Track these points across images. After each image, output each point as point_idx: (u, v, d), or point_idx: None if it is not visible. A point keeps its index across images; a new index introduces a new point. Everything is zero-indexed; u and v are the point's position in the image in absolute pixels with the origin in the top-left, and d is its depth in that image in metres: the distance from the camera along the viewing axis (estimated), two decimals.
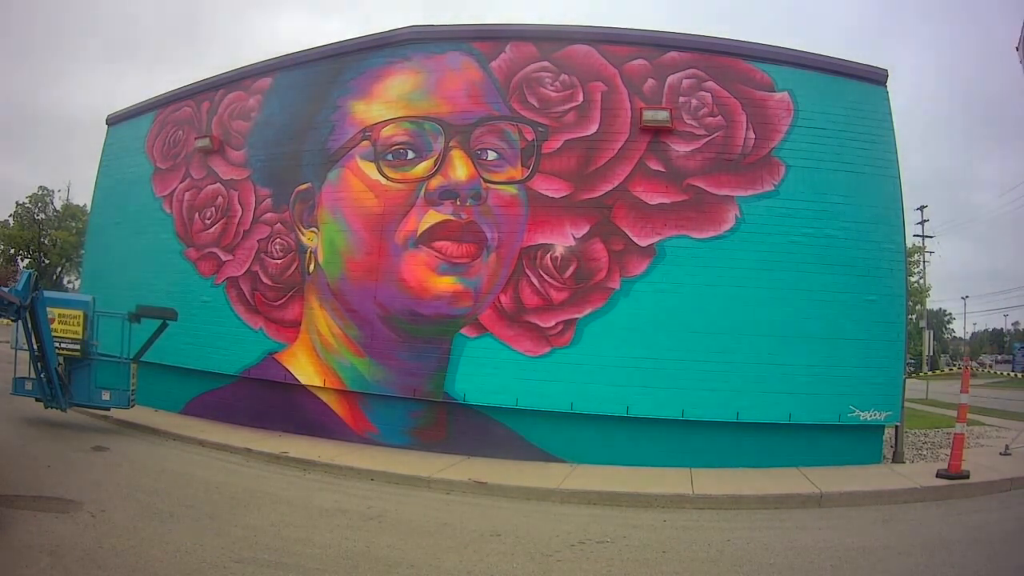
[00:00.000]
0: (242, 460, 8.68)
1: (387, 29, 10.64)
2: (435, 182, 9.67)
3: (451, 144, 9.71)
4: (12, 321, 8.68)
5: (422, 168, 9.81)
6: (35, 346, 8.83)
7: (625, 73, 9.46)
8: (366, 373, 9.84)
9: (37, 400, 9.60)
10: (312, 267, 10.45)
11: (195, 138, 12.06)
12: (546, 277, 9.22)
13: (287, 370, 10.40)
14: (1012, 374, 26.88)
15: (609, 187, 9.20)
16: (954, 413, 9.68)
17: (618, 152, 9.26)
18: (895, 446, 9.18)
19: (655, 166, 9.19)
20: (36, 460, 7.52)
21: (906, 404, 9.53)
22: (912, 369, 22.65)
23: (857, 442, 8.92)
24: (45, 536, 4.97)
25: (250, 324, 10.87)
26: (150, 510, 5.94)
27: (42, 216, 48.23)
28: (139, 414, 10.41)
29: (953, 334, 65.96)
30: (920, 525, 6.40)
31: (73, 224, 46.12)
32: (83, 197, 45.03)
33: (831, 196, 9.03)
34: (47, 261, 47.54)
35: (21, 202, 47.57)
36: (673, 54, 9.46)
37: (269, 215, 10.97)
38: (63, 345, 9.46)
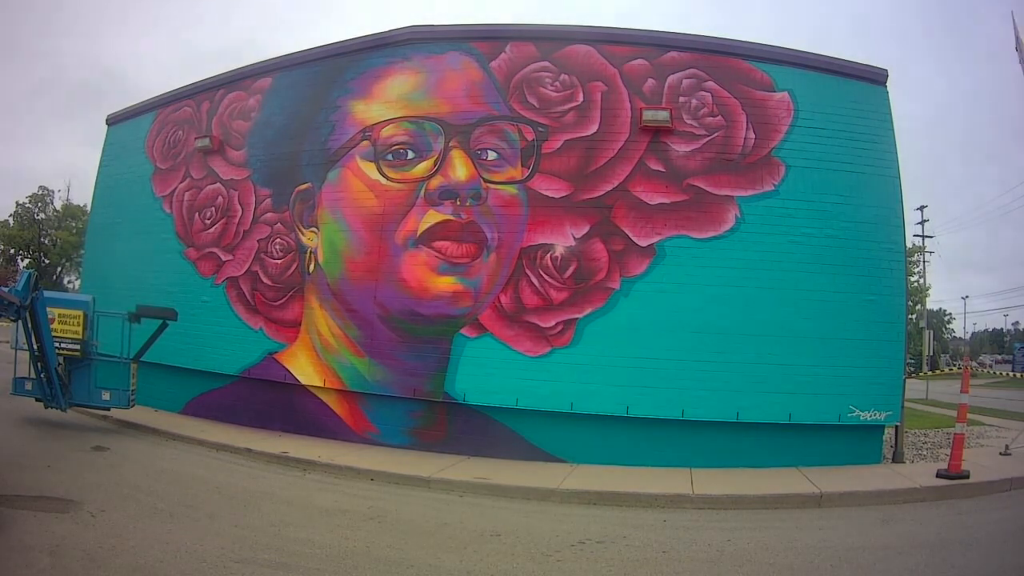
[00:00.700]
0: (242, 460, 8.68)
1: (387, 29, 10.65)
2: (435, 182, 9.67)
3: (451, 144, 9.71)
4: (12, 321, 8.68)
5: (422, 168, 9.81)
6: (35, 346, 8.84)
7: (625, 73, 9.46)
8: (366, 373, 9.84)
9: (37, 400, 9.61)
10: (312, 267, 10.45)
11: (195, 138, 12.07)
12: (546, 277, 9.22)
13: (287, 370, 10.40)
14: (1012, 374, 26.88)
15: (609, 187, 9.20)
16: (954, 413, 9.68)
17: (618, 152, 9.26)
18: (895, 446, 9.18)
19: (655, 166, 9.19)
20: (36, 460, 7.52)
21: (906, 404, 9.53)
22: (912, 369, 22.62)
23: (857, 442, 8.92)
24: (45, 536, 4.97)
25: (250, 324, 10.87)
26: (150, 510, 5.94)
27: (42, 216, 48.24)
28: (139, 414, 10.42)
29: (953, 334, 65.95)
30: (920, 525, 6.40)
31: (73, 224, 46.12)
32: (83, 197, 45.12)
33: (831, 196, 9.03)
34: (47, 261, 47.55)
35: (21, 202, 47.64)
36: (673, 54, 9.46)
37: (269, 215, 10.97)
38: (63, 345, 9.47)
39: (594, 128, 9.38)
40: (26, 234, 46.72)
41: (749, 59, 9.37)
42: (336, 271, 10.25)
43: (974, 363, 47.45)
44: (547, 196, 9.34)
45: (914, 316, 35.29)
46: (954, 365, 43.26)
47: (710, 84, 9.30)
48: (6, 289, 8.05)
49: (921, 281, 37.18)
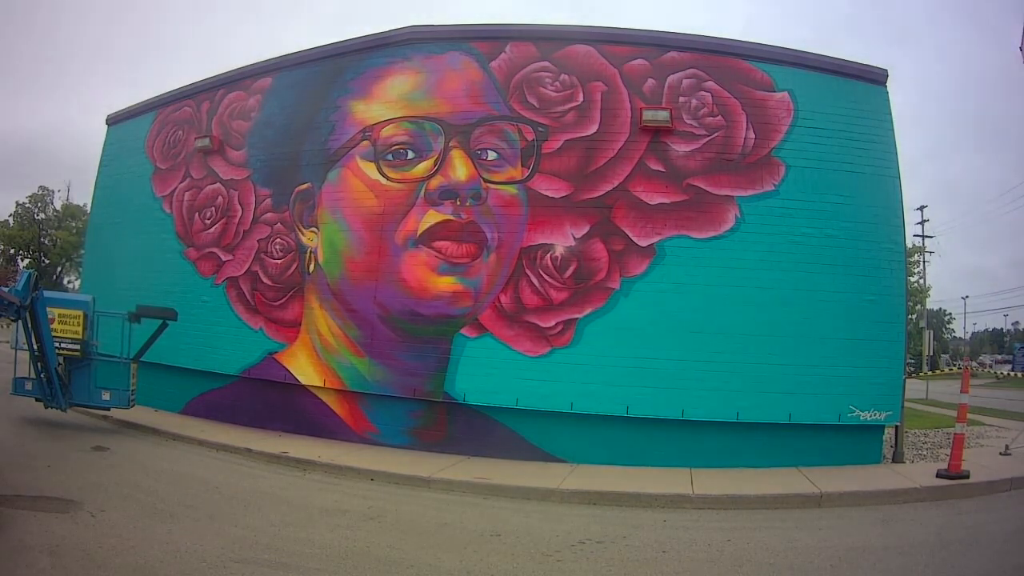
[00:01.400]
0: (242, 460, 8.68)
1: (387, 29, 10.65)
2: (435, 182, 9.67)
3: (451, 144, 9.71)
4: (12, 321, 8.69)
5: (422, 168, 9.81)
6: (35, 346, 8.84)
7: (625, 73, 9.46)
8: (366, 373, 9.84)
9: (37, 400, 9.61)
10: (312, 267, 10.45)
11: (195, 138, 12.07)
12: (546, 277, 9.22)
13: (287, 370, 10.40)
14: (1012, 374, 26.84)
15: (609, 187, 9.20)
16: (954, 413, 9.67)
17: (618, 152, 9.26)
18: (895, 446, 9.18)
19: (655, 166, 9.19)
20: (36, 460, 7.52)
21: (906, 404, 9.53)
22: (912, 369, 22.61)
23: (857, 442, 8.92)
24: (45, 536, 4.97)
25: (250, 324, 10.87)
26: (150, 510, 5.94)
27: (42, 216, 48.25)
28: (139, 414, 10.41)
29: (953, 334, 65.95)
30: (920, 525, 6.39)
31: (73, 224, 46.13)
32: (83, 197, 45.09)
33: (831, 196, 9.03)
34: (47, 261, 47.56)
35: (21, 202, 47.66)
36: (673, 54, 9.46)
37: (269, 215, 10.97)
38: (63, 345, 9.47)
39: (594, 128, 9.38)
40: (26, 234, 46.73)
41: (749, 59, 9.36)
42: (336, 271, 10.25)
43: (974, 363, 47.41)
44: (547, 196, 9.34)
45: (914, 316, 35.30)
46: (954, 365, 43.21)
47: (710, 84, 9.30)
48: (6, 289, 8.05)
49: (921, 281, 37.19)
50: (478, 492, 7.55)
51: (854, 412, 8.76)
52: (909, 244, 26.59)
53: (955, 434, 8.15)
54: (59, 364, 9.41)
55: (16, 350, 9.75)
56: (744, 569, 5.12)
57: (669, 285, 8.94)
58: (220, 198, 11.59)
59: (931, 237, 36.89)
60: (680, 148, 9.20)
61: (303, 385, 10.31)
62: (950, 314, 65.48)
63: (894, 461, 9.01)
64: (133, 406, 10.12)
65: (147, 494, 6.49)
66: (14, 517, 5.33)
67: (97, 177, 14.23)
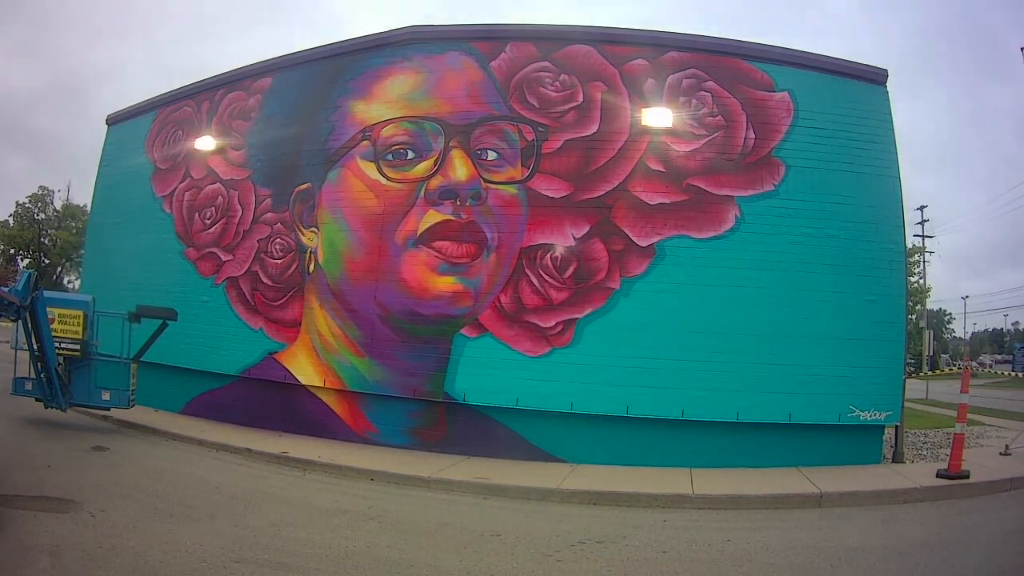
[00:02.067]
0: (242, 460, 8.68)
1: (387, 29, 10.65)
2: (435, 182, 9.67)
3: (451, 144, 9.71)
4: (12, 321, 8.68)
5: (422, 168, 9.81)
6: (35, 346, 8.83)
7: (625, 73, 9.46)
8: (366, 373, 9.84)
9: (37, 400, 9.61)
10: (312, 267, 10.45)
11: (195, 138, 12.06)
12: (546, 277, 9.22)
13: (287, 370, 10.40)
14: (1012, 374, 26.88)
15: (609, 187, 9.20)
16: (954, 413, 9.68)
17: (618, 152, 9.26)
18: (895, 446, 9.18)
19: (655, 166, 9.19)
20: (36, 460, 7.51)
21: (906, 404, 9.53)
22: (912, 369, 22.62)
23: (857, 442, 8.92)
24: (45, 536, 4.97)
25: (250, 324, 10.87)
26: (150, 510, 5.94)
27: (42, 216, 48.24)
28: (139, 414, 10.41)
29: (953, 334, 65.94)
30: (920, 525, 6.40)
31: (73, 224, 46.12)
32: (83, 197, 45.08)
33: (831, 196, 9.03)
34: (47, 261, 47.55)
35: (21, 202, 47.65)
36: (673, 54, 9.45)
37: (269, 215, 10.97)
38: (63, 345, 9.47)
39: (594, 128, 9.38)
40: (26, 234, 46.72)
41: (749, 59, 9.36)
42: (336, 271, 10.25)
43: (974, 363, 47.43)
44: (547, 196, 9.34)
45: (914, 316, 35.24)
46: (954, 365, 43.25)
47: (710, 84, 9.30)
48: (6, 289, 8.05)
49: (921, 281, 37.17)
50: (478, 492, 7.54)
51: (854, 412, 8.76)
52: (909, 244, 26.55)
53: (955, 434, 8.15)
54: (59, 364, 9.41)
55: (16, 350, 9.75)
56: (744, 569, 5.13)
57: (669, 285, 8.93)
58: (220, 198, 11.59)
59: (931, 237, 36.88)
60: (680, 148, 9.20)
61: (303, 385, 10.31)
62: (950, 314, 65.57)
63: (894, 461, 9.01)
64: (133, 406, 10.12)
65: (147, 494, 6.49)
66: (14, 517, 5.33)
67: (97, 177, 14.23)
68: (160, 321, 10.03)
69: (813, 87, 9.32)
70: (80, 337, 9.63)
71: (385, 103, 10.24)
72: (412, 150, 9.97)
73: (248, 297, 10.99)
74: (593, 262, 9.12)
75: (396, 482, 7.85)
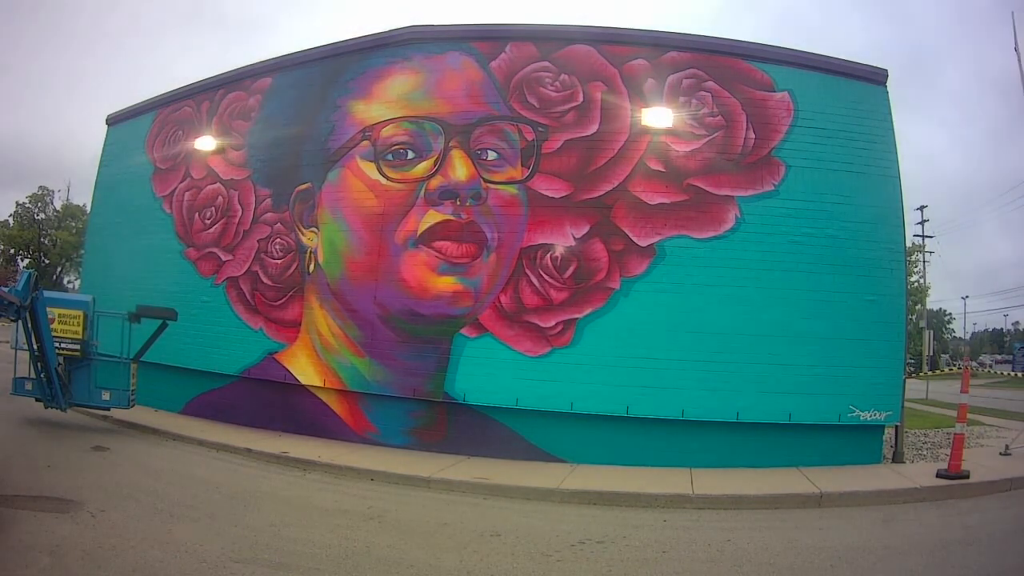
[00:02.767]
0: (242, 460, 8.68)
1: (387, 29, 10.65)
2: (435, 182, 9.67)
3: (451, 144, 9.71)
4: (12, 321, 8.68)
5: (422, 168, 9.81)
6: (35, 346, 8.84)
7: (625, 73, 9.46)
8: (366, 373, 9.84)
9: (37, 400, 9.61)
10: (312, 267, 10.45)
11: (195, 138, 12.06)
12: (546, 277, 9.22)
13: (287, 370, 10.40)
14: (1012, 374, 26.84)
15: (609, 187, 9.20)
16: (954, 413, 9.68)
17: (618, 152, 9.26)
18: (895, 446, 9.18)
19: (655, 166, 9.19)
20: (36, 460, 7.52)
21: (906, 404, 9.53)
22: (912, 369, 22.61)
23: (857, 442, 8.92)
24: (45, 536, 4.97)
25: (250, 324, 10.87)
26: (150, 510, 5.94)
27: (42, 216, 48.24)
28: (139, 414, 10.41)
29: (953, 334, 65.88)
30: (920, 525, 6.40)
31: (73, 224, 46.09)
32: (83, 197, 45.08)
33: (831, 196, 9.03)
34: (47, 261, 47.53)
35: (21, 202, 47.66)
36: (673, 54, 9.45)
37: (269, 215, 10.97)
38: (63, 345, 9.46)
39: (594, 128, 9.38)
40: (26, 234, 46.72)
41: (749, 59, 9.36)
42: (336, 271, 10.25)
43: (974, 363, 47.39)
44: (547, 196, 9.34)
45: (914, 316, 35.29)
46: (954, 365, 43.18)
47: (710, 84, 9.30)
48: (6, 289, 8.05)
49: (921, 281, 37.19)
50: (478, 492, 7.55)
51: (854, 412, 8.76)
52: (909, 244, 26.57)
53: (955, 434, 8.15)
54: (59, 364, 9.40)
55: (16, 350, 9.75)
56: (744, 569, 5.13)
57: (669, 285, 8.94)
58: (220, 198, 11.59)
59: (931, 237, 36.92)
60: (680, 148, 9.20)
61: (303, 385, 10.31)
62: (950, 314, 65.49)
63: (894, 461, 9.01)
64: (133, 406, 10.11)
65: (147, 494, 6.49)
66: (14, 517, 5.33)
67: (97, 177, 14.23)
68: (160, 321, 10.02)
69: (813, 87, 9.32)
70: (80, 337, 9.63)
71: (385, 103, 10.24)
72: (412, 150, 9.97)
73: (248, 297, 10.99)
74: (593, 262, 9.12)
75: (396, 482, 7.85)
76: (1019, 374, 28.32)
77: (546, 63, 9.67)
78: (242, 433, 9.97)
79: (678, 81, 9.36)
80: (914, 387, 18.22)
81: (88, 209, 20.07)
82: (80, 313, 9.69)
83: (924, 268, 37.41)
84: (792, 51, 9.58)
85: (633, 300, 8.99)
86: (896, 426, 9.15)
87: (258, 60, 11.94)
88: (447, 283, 9.47)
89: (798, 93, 9.23)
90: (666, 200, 9.09)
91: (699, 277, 8.88)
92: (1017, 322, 76.43)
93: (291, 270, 10.62)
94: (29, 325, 8.62)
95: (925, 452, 9.94)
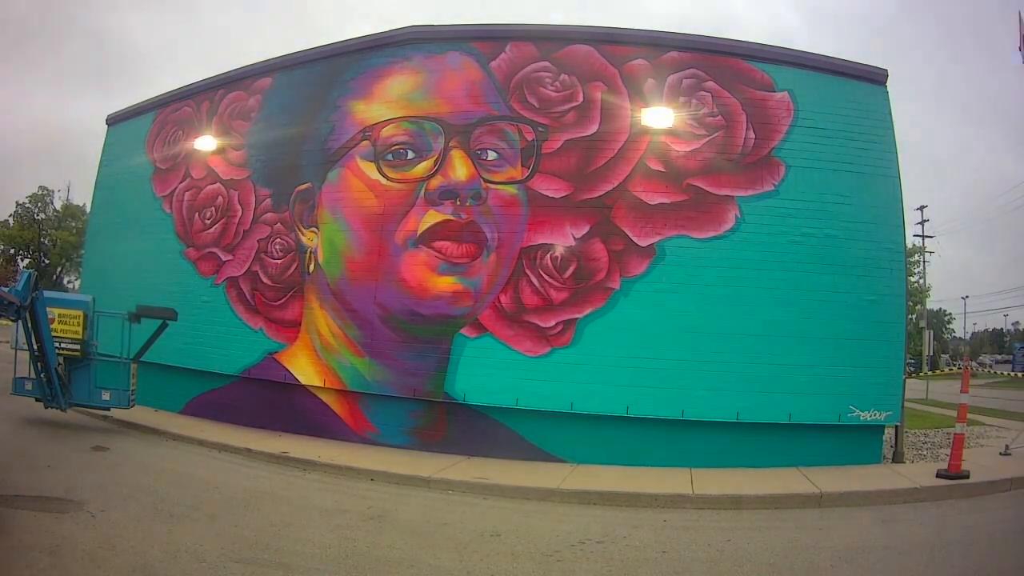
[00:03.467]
0: (242, 460, 8.68)
1: (387, 29, 10.65)
2: (435, 182, 9.67)
3: (451, 144, 9.71)
4: (12, 321, 8.68)
5: (422, 168, 9.81)
6: (35, 346, 8.84)
7: (625, 73, 9.46)
8: (366, 373, 9.84)
9: (37, 400, 9.61)
10: (312, 267, 10.45)
11: (195, 138, 12.06)
12: (546, 277, 9.22)
13: (287, 370, 10.40)
14: (1012, 374, 26.85)
15: (609, 187, 9.20)
16: (954, 413, 9.67)
17: (618, 152, 9.26)
18: (895, 446, 9.18)
19: (655, 166, 9.19)
20: (36, 460, 7.52)
21: (906, 404, 9.53)
22: (912, 369, 22.62)
23: (857, 442, 8.92)
24: (45, 536, 4.97)
25: (250, 324, 10.87)
26: (150, 510, 5.94)
27: (42, 216, 48.22)
28: (139, 414, 10.41)
29: (953, 334, 65.89)
30: (920, 525, 6.40)
31: (73, 224, 46.09)
32: (83, 197, 45.06)
33: (831, 196, 9.03)
34: (47, 261, 47.53)
35: (21, 202, 47.64)
36: (673, 54, 9.46)
37: (269, 215, 10.97)
38: (63, 345, 9.47)
39: (594, 128, 9.38)
40: (26, 234, 46.71)
41: (749, 59, 9.36)
42: (336, 271, 10.25)
43: (974, 363, 47.41)
44: (547, 196, 9.34)
45: (914, 316, 35.28)
46: (954, 365, 43.22)
47: (710, 84, 9.30)
48: (6, 289, 8.05)
49: (921, 281, 37.19)
50: (478, 492, 7.55)
51: (854, 412, 8.76)
52: (909, 244, 26.57)
53: (955, 434, 8.15)
54: (59, 364, 9.41)
55: (16, 350, 9.75)
56: (744, 569, 5.13)
57: (669, 285, 8.94)
58: (220, 198, 11.59)
59: (931, 237, 36.92)
60: (680, 148, 9.20)
61: (303, 385, 10.31)
62: (950, 314, 65.49)
63: (894, 461, 9.01)
64: (133, 406, 10.12)
65: (147, 494, 6.49)
66: (14, 517, 5.33)
67: (97, 177, 14.23)
68: (160, 321, 10.03)
69: (813, 87, 9.32)
70: (80, 337, 9.63)
71: (385, 103, 10.24)
72: (412, 150, 9.97)
73: (248, 297, 10.99)
74: (593, 262, 9.12)
75: (396, 482, 7.85)
76: (1019, 374, 28.34)
77: (546, 63, 9.67)
78: (242, 433, 9.97)
79: (678, 81, 9.36)
80: (914, 387, 18.22)
81: (88, 209, 20.07)
82: (80, 313, 9.69)
83: (924, 268, 37.42)
84: (792, 51, 9.58)
85: (633, 300, 8.99)
86: (896, 426, 9.15)
87: (258, 60, 11.96)
88: (447, 283, 9.47)
89: (798, 93, 9.23)
90: (666, 200, 9.09)
91: (699, 277, 8.88)
92: (1017, 322, 76.46)
93: (291, 270, 10.62)
94: (29, 325, 8.62)
95: (925, 452, 9.94)
